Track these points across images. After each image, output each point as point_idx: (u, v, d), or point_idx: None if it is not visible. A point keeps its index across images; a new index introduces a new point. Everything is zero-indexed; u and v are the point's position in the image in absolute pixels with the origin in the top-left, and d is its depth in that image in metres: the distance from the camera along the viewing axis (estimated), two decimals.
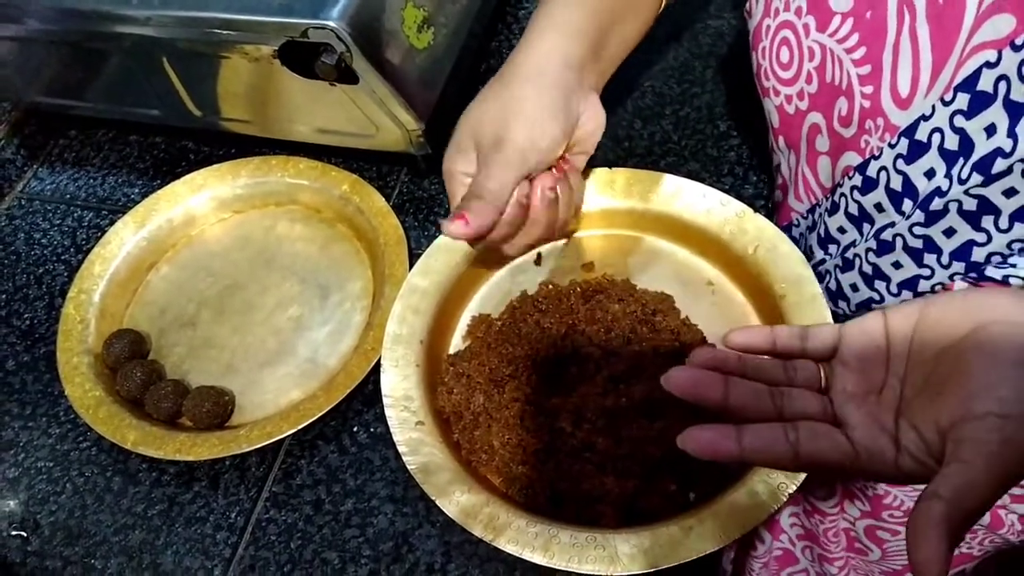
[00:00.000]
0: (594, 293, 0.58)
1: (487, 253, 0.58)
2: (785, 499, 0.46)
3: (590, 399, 0.51)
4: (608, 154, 0.71)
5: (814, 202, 0.56)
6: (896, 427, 0.35)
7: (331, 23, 0.57)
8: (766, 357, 0.39)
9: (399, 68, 0.62)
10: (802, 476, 0.47)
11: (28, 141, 0.84)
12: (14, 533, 0.60)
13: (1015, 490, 0.53)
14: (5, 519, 0.61)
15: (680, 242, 0.61)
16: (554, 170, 0.50)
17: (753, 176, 0.68)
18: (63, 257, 0.76)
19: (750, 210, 0.58)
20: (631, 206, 0.62)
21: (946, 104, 0.42)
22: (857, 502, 0.59)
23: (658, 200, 0.61)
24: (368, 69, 0.60)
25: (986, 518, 0.54)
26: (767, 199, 0.66)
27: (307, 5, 0.58)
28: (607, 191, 0.62)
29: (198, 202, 0.73)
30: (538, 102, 0.48)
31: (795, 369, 0.39)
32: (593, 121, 0.51)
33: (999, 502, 0.53)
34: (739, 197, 0.59)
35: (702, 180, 0.61)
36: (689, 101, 0.74)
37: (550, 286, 0.59)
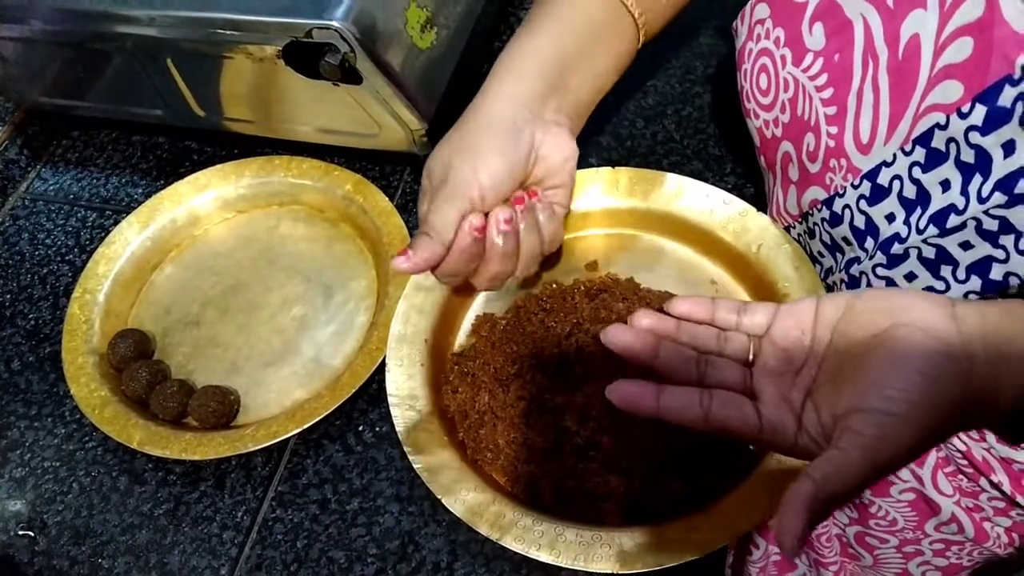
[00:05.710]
0: (598, 292, 0.58)
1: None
2: None
3: (595, 398, 0.51)
4: (611, 154, 0.71)
5: (785, 225, 0.57)
6: (803, 407, 0.37)
7: (335, 23, 0.57)
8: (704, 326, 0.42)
9: (402, 68, 0.62)
10: None
11: (31, 142, 0.84)
12: (21, 533, 0.60)
13: (997, 504, 0.52)
14: (12, 519, 0.61)
15: (683, 241, 0.61)
16: (513, 202, 0.50)
17: (755, 175, 0.68)
18: (67, 257, 0.76)
19: (753, 209, 0.59)
20: (634, 205, 0.62)
21: (906, 154, 0.43)
22: (846, 508, 0.59)
23: (661, 199, 0.61)
24: (372, 69, 0.60)
25: (969, 531, 0.53)
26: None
27: (311, 5, 0.58)
28: (611, 191, 0.62)
29: (202, 202, 0.73)
30: (481, 138, 0.48)
31: (727, 340, 0.41)
32: (558, 152, 0.50)
33: (981, 514, 0.53)
34: (742, 196, 0.60)
35: (705, 179, 0.61)
36: (691, 100, 0.74)
37: (554, 285, 0.59)
